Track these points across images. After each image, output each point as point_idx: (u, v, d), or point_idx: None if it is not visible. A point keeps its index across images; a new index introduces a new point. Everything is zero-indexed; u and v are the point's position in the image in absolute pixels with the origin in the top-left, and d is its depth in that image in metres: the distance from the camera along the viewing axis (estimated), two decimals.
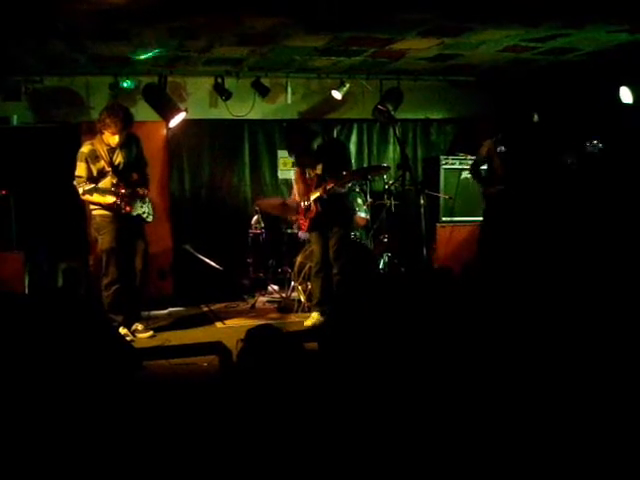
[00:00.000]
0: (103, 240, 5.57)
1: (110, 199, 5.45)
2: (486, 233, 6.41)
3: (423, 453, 2.76)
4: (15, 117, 7.04)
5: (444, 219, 7.78)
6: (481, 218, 6.59)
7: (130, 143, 5.64)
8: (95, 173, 5.43)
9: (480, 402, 3.21)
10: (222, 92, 7.52)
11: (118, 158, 5.54)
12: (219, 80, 7.52)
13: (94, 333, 5.29)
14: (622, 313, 4.43)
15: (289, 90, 7.86)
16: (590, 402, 3.13)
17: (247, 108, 7.72)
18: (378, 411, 3.18)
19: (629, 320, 4.28)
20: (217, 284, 7.35)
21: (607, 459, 2.60)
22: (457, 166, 7.85)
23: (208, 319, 6.59)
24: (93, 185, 5.32)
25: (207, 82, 7.60)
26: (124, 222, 5.59)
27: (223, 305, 7.15)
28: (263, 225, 7.30)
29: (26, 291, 6.35)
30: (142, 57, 6.50)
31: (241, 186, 7.93)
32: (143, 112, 7.12)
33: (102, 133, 5.47)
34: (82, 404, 3.53)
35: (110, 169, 5.48)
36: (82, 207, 6.24)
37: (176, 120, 7.21)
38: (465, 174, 7.76)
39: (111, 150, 5.51)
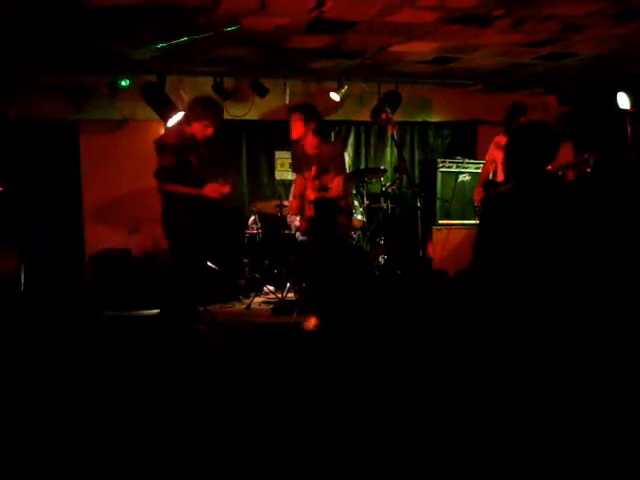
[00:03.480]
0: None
1: (192, 192, 5.27)
2: (483, 236, 6.39)
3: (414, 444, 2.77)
4: (13, 113, 7.04)
5: (440, 222, 7.79)
6: (477, 221, 6.58)
7: (212, 139, 5.33)
8: (178, 166, 5.13)
9: (476, 401, 3.22)
10: (221, 92, 7.53)
11: (201, 152, 5.28)
12: (218, 80, 7.53)
13: (89, 328, 5.29)
14: (621, 317, 4.44)
15: (287, 91, 7.88)
16: (587, 404, 3.14)
17: (245, 109, 7.74)
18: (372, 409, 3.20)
19: (627, 324, 4.29)
20: (213, 284, 7.33)
21: (607, 459, 2.61)
22: (454, 169, 7.86)
23: None
24: (172, 180, 5.10)
25: (206, 82, 7.60)
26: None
27: (218, 305, 7.14)
28: (260, 226, 7.31)
29: (22, 288, 6.35)
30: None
31: (238, 186, 7.93)
32: (141, 111, 7.13)
33: (190, 124, 5.20)
34: (76, 397, 3.54)
35: (192, 162, 5.20)
36: (79, 204, 6.23)
37: (174, 120, 7.19)
38: (462, 177, 7.78)
39: (196, 142, 5.22)
